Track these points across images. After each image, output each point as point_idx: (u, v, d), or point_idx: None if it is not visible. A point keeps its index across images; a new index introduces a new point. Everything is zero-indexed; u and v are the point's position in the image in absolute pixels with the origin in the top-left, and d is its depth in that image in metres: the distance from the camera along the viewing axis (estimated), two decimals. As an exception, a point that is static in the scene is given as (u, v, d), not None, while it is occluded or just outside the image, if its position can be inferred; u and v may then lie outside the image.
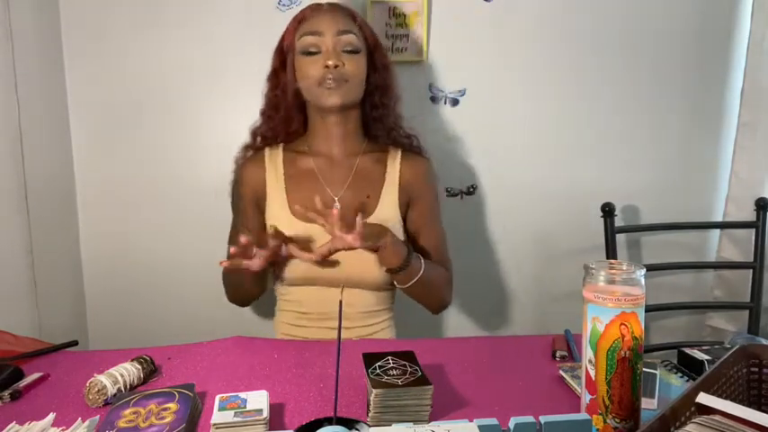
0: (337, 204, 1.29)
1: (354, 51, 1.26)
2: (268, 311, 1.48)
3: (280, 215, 1.29)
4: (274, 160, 1.34)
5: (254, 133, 1.40)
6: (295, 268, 1.28)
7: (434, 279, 1.31)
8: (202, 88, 1.59)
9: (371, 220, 1.28)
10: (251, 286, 1.33)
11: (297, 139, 1.38)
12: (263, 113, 1.38)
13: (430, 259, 1.33)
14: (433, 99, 1.64)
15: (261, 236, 1.29)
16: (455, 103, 1.64)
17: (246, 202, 1.34)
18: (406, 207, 1.35)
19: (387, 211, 1.31)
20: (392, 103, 1.38)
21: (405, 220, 1.35)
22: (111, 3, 1.55)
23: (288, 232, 1.26)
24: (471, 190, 1.69)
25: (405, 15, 1.57)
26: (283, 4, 1.55)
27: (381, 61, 1.34)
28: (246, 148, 1.40)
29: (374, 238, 1.19)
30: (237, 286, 1.35)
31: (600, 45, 1.64)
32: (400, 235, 1.31)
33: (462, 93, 1.64)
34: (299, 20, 1.30)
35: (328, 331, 1.30)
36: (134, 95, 1.59)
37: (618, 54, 1.65)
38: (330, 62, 1.23)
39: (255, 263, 1.17)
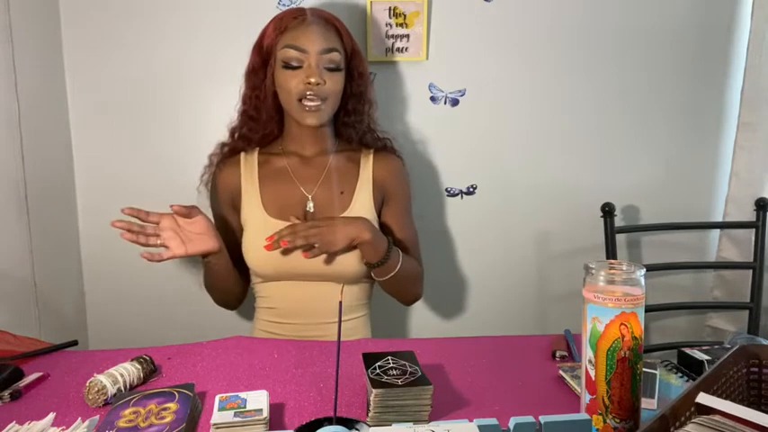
0: (311, 205, 1.32)
1: (336, 69, 1.28)
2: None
3: (254, 214, 1.32)
4: (250, 163, 1.37)
5: (233, 132, 1.41)
6: (264, 263, 1.29)
7: (410, 272, 1.34)
8: (204, 88, 1.59)
9: (346, 215, 1.30)
10: (225, 283, 1.34)
11: (273, 141, 1.40)
12: (243, 114, 1.39)
13: None
14: (433, 99, 1.64)
15: (238, 236, 1.35)
16: (455, 103, 1.64)
17: (223, 205, 1.38)
18: (380, 204, 1.37)
19: (361, 207, 1.33)
20: (366, 109, 1.39)
21: (379, 217, 1.37)
22: (112, 3, 1.55)
23: (262, 230, 1.28)
24: (471, 190, 1.69)
25: (405, 15, 1.57)
26: (283, 4, 1.55)
27: (358, 69, 1.35)
28: (223, 145, 1.42)
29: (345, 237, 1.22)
30: (214, 286, 1.36)
31: (600, 45, 1.64)
32: None
33: (462, 93, 1.64)
34: (281, 28, 1.28)
35: (304, 327, 1.32)
36: (135, 95, 1.59)
37: (618, 54, 1.64)
38: (313, 80, 1.24)
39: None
